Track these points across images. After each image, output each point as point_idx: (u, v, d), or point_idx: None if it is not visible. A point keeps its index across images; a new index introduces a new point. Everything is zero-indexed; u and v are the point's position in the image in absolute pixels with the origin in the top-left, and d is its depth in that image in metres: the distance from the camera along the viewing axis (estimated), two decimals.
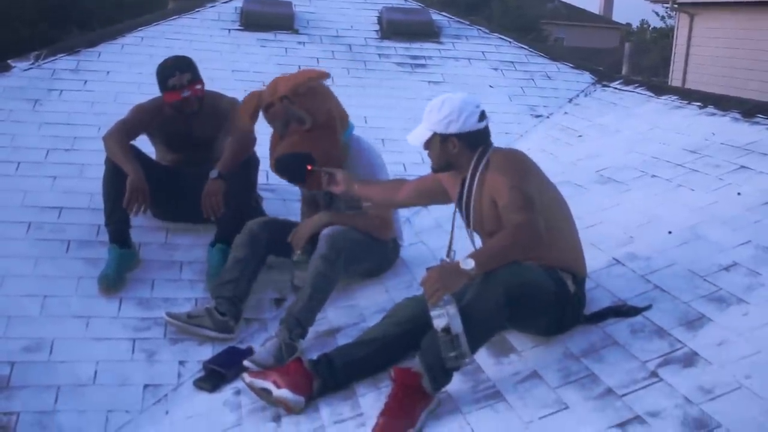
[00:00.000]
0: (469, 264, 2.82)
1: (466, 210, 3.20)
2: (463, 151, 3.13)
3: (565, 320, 3.08)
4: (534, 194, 2.98)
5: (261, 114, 4.03)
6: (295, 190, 4.42)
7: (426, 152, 3.26)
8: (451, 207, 3.44)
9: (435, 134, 3.13)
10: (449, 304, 2.74)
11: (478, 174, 3.11)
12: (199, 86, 4.43)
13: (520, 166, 3.09)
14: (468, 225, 3.25)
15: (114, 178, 4.20)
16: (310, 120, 3.94)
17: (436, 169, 3.28)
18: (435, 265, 2.89)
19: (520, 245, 2.90)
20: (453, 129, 3.10)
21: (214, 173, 4.19)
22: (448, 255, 3.14)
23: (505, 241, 2.91)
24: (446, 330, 2.72)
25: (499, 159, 3.11)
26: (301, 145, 3.94)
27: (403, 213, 4.53)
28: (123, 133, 4.33)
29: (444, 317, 2.72)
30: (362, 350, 3.23)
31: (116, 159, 4.21)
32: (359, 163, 4.02)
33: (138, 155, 4.33)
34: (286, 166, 3.99)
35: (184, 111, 4.43)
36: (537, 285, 2.93)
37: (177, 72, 4.37)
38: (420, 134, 3.18)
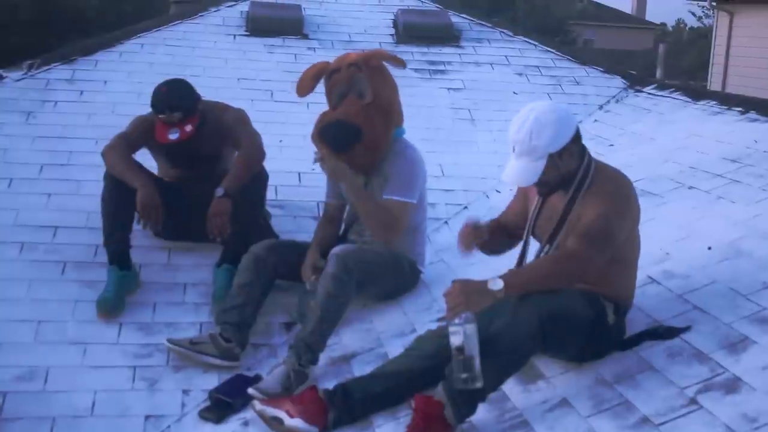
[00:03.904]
0: (498, 285, 2.82)
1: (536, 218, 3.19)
2: (575, 156, 3.05)
3: (600, 348, 3.07)
4: (617, 234, 2.95)
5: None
6: (306, 206, 4.43)
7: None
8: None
9: (550, 156, 2.99)
10: (469, 323, 2.72)
11: (584, 189, 3.03)
12: (189, 127, 4.37)
13: (625, 198, 3.04)
14: (532, 231, 3.22)
15: (114, 195, 4.23)
16: (371, 95, 4.03)
17: (548, 192, 3.14)
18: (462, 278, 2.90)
19: (565, 277, 2.93)
20: (566, 138, 3.00)
21: (219, 191, 4.20)
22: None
23: (548, 270, 2.93)
24: (460, 349, 2.72)
25: (608, 183, 3.05)
26: (356, 116, 3.99)
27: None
28: (125, 146, 4.36)
29: (460, 335, 2.71)
30: (384, 383, 3.19)
31: (119, 173, 4.23)
32: (396, 162, 4.05)
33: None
34: (333, 133, 3.99)
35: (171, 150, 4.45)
36: (574, 313, 2.92)
37: (167, 110, 4.35)
38: (533, 169, 3.00)
